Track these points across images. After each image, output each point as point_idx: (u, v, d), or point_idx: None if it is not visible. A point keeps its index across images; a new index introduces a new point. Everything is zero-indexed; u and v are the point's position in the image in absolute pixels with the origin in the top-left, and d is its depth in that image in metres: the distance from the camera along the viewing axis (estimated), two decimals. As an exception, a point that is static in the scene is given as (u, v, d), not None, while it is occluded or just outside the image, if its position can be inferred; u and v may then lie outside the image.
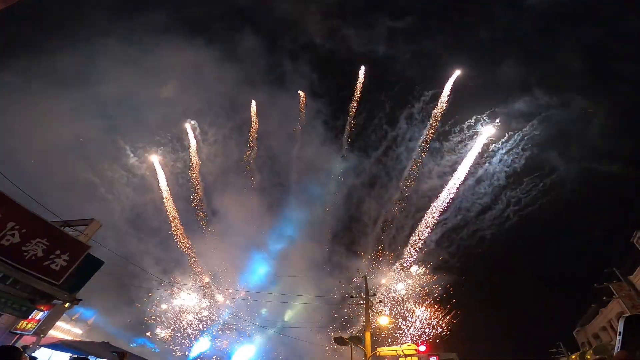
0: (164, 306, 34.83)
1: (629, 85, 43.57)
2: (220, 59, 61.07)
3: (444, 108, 38.73)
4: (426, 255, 37.93)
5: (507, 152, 38.17)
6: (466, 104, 41.30)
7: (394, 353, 14.34)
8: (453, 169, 38.13)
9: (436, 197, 37.74)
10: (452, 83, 38.19)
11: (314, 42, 59.38)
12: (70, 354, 12.94)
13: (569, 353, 29.97)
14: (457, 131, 38.79)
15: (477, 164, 38.00)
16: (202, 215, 41.39)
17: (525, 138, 37.89)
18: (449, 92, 38.45)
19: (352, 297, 19.18)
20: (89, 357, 11.55)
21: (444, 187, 37.63)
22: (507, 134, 37.73)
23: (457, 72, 37.77)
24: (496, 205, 41.21)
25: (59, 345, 13.95)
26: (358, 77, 43.95)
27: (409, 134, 44.42)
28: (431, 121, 40.08)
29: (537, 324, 48.81)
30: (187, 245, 37.53)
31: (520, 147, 38.08)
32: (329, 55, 67.04)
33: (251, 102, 45.47)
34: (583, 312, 29.75)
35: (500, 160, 38.49)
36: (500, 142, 37.75)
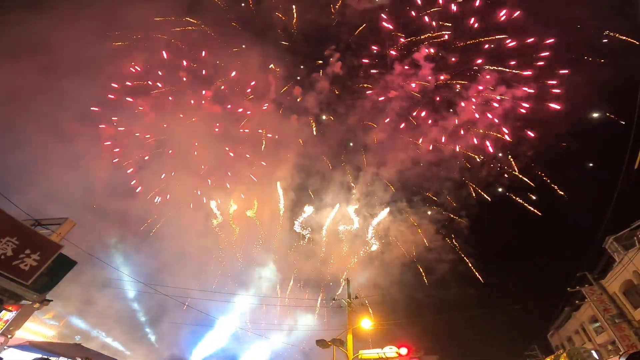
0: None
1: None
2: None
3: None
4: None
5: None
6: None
7: (376, 356, 14.39)
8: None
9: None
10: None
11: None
12: (39, 355, 12.38)
13: (544, 356, 30.89)
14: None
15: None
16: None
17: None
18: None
19: (334, 299, 19.15)
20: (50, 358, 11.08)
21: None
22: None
23: None
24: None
25: (27, 346, 13.35)
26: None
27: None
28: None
29: (514, 327, 50.27)
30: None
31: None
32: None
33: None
34: (557, 316, 30.68)
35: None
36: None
